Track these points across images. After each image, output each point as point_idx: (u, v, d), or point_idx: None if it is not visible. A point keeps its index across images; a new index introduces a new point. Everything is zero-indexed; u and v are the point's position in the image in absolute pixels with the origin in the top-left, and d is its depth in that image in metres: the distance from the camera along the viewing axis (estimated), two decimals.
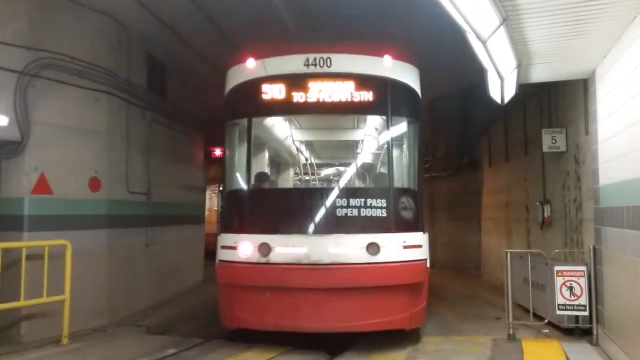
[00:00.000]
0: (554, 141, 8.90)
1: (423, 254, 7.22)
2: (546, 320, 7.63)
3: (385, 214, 6.93)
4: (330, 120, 8.74)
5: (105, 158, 8.85)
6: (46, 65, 7.72)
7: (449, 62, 12.39)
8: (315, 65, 7.13)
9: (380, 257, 6.66)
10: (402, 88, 7.52)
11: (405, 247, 6.86)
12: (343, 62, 7.17)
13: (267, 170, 9.21)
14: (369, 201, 6.96)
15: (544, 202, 9.69)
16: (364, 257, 6.63)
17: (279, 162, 9.44)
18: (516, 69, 6.38)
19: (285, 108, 7.42)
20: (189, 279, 12.53)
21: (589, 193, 7.54)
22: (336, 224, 6.86)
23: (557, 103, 9.25)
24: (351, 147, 9.42)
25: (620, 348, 5.98)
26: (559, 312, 7.33)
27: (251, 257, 6.76)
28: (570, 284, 7.25)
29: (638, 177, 5.17)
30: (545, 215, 9.59)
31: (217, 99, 16.11)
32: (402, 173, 7.64)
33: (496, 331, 7.80)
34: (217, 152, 14.54)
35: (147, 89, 10.28)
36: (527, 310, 7.96)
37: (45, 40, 7.73)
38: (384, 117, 7.55)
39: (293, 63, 7.19)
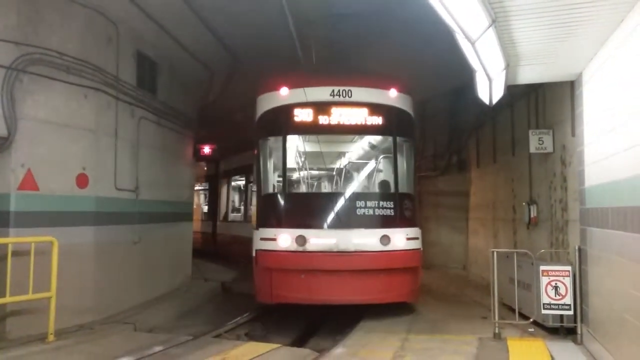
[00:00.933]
0: (540, 142, 8.98)
1: (419, 244, 9.20)
2: (531, 320, 7.70)
3: (393, 213, 9.01)
4: (348, 138, 10.85)
5: (93, 155, 8.80)
6: (34, 60, 7.67)
7: (439, 62, 12.47)
8: (339, 95, 9.14)
9: (390, 247, 8.68)
10: (403, 114, 9.60)
11: (408, 239, 8.89)
12: (360, 93, 9.21)
13: (297, 178, 11.37)
14: (380, 203, 9.14)
15: (531, 202, 9.79)
16: (378, 246, 8.66)
17: (307, 171, 11.24)
18: (504, 70, 6.44)
19: (314, 128, 9.27)
20: (177, 276, 12.49)
21: (575, 194, 7.63)
22: (357, 221, 8.84)
23: (544, 105, 9.34)
24: (365, 160, 11.37)
25: (604, 347, 6.06)
26: (544, 312, 7.41)
27: (290, 247, 8.56)
28: (556, 284, 7.33)
29: (623, 179, 5.25)
30: (532, 216, 9.68)
31: (207, 97, 16.15)
32: (403, 181, 9.54)
33: (482, 330, 7.86)
34: (206, 149, 14.51)
35: (136, 86, 10.23)
36: (513, 310, 8.03)
37: (34, 36, 7.68)
38: (390, 137, 9.59)
39: (322, 93, 9.13)
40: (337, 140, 11.02)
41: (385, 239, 8.70)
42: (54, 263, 7.19)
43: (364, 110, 9.26)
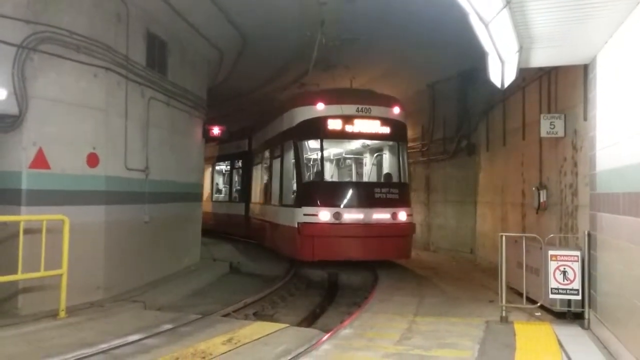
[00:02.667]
0: (552, 127, 8.90)
1: (413, 219, 12.95)
2: (539, 304, 7.71)
3: (398, 197, 12.59)
4: (368, 142, 14.23)
5: (104, 134, 8.83)
6: (44, 39, 7.66)
7: (450, 44, 12.37)
8: (362, 111, 12.59)
9: (397, 220, 12.25)
10: (403, 125, 13.37)
11: (407, 215, 12.46)
12: (376, 110, 12.72)
13: (331, 170, 15.63)
14: (390, 190, 12.72)
15: (540, 187, 9.74)
16: (390, 220, 12.19)
17: (337, 165, 15.99)
18: (517, 53, 6.35)
19: (344, 134, 12.77)
20: (186, 257, 12.58)
21: (585, 179, 7.58)
22: (376, 202, 12.25)
23: (556, 88, 9.25)
24: (379, 158, 14.60)
25: (612, 332, 6.06)
26: (551, 296, 7.41)
27: (329, 220, 11.82)
28: (564, 269, 7.31)
29: (635, 164, 5.20)
30: (541, 200, 9.64)
31: (216, 78, 16.11)
32: (404, 174, 13.17)
33: (489, 313, 7.89)
34: (215, 130, 14.52)
35: (146, 66, 10.21)
36: (520, 294, 8.05)
37: (44, 14, 7.66)
38: (397, 141, 13.28)
39: (349, 109, 12.52)
40: (360, 143, 14.45)
41: (394, 215, 12.25)
42: (65, 241, 7.26)
43: (378, 122, 12.76)
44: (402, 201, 12.53)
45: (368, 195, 12.53)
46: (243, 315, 8.92)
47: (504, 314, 7.48)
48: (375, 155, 14.63)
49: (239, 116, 21.94)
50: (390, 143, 13.48)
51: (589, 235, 7.10)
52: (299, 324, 8.76)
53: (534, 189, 9.90)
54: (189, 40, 12.30)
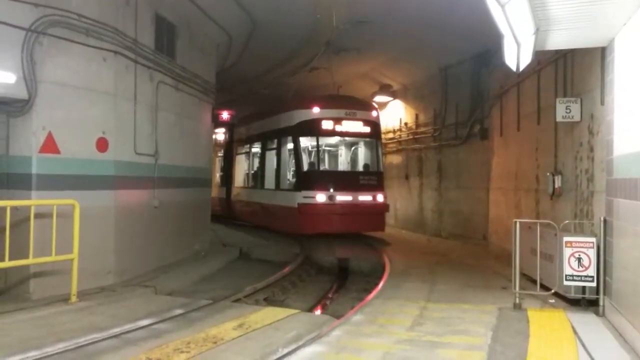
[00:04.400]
0: (568, 111, 8.73)
1: (386, 200, 15.96)
2: (553, 291, 7.62)
3: (376, 183, 15.64)
4: (354, 138, 16.91)
5: (113, 118, 8.79)
6: (53, 22, 7.59)
7: (463, 27, 12.17)
8: (349, 114, 15.46)
9: (376, 201, 15.32)
10: (378, 125, 16.44)
11: (383, 197, 15.60)
12: (360, 113, 15.68)
13: (324, 161, 18.41)
14: (371, 177, 15.71)
15: (555, 172, 9.58)
16: (371, 201, 15.17)
17: (330, 157, 19.06)
18: (534, 35, 6.20)
19: (333, 132, 15.70)
20: (196, 242, 12.59)
21: (602, 164, 7.43)
22: (361, 187, 15.19)
23: (572, 72, 9.05)
24: (361, 152, 17.35)
25: (628, 319, 5.97)
26: (566, 283, 7.31)
27: (324, 201, 14.51)
28: (579, 255, 7.20)
29: None
30: (556, 186, 9.48)
31: (225, 62, 16.00)
32: (381, 165, 16.38)
33: (502, 300, 7.82)
34: (225, 115, 14.49)
35: (154, 50, 10.13)
36: (534, 281, 7.95)
37: None
38: (375, 138, 16.28)
39: (338, 112, 15.38)
40: (347, 139, 17.18)
41: (374, 197, 15.30)
42: (76, 226, 7.26)
43: (361, 123, 15.70)
44: (380, 186, 15.69)
45: (354, 181, 15.44)
46: (253, 300, 8.91)
47: (517, 301, 7.39)
48: (359, 149, 17.47)
49: (249, 100, 21.88)
50: (370, 140, 16.45)
51: (604, 221, 6.97)
52: (310, 310, 8.75)
53: (548, 174, 9.74)
54: (197, 24, 12.19)
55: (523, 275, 8.16)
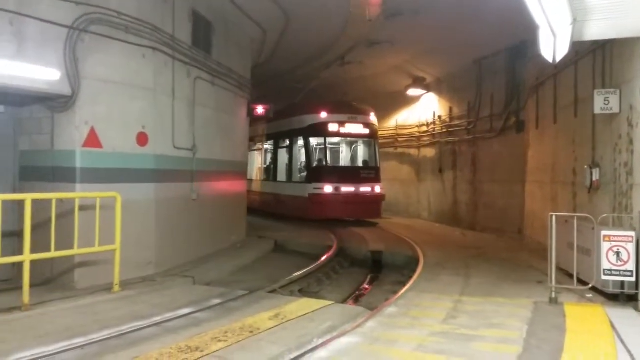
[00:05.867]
0: (606, 102, 8.55)
1: (384, 191, 18.54)
2: (590, 285, 7.51)
3: (374, 176, 18.33)
4: (355, 138, 19.65)
5: (152, 113, 9.01)
6: (94, 20, 7.82)
7: (498, 19, 12.01)
8: (352, 118, 18.25)
9: (374, 192, 17.99)
10: (376, 126, 19.10)
11: (380, 189, 18.25)
12: (360, 117, 18.40)
13: (331, 158, 19.99)
14: (370, 171, 18.42)
15: (593, 165, 9.41)
16: (370, 192, 17.87)
17: (335, 154, 21.10)
18: (571, 26, 6.12)
19: (338, 133, 18.38)
20: (232, 233, 12.82)
21: None
22: (363, 179, 17.96)
23: (611, 63, 8.86)
24: (361, 150, 20.00)
25: None
26: (604, 277, 7.20)
27: (331, 192, 17.24)
28: (618, 249, 7.09)
29: None
30: (594, 179, 9.32)
31: (259, 57, 16.15)
32: (378, 161, 18.98)
33: (538, 295, 7.75)
34: (260, 109, 14.65)
35: (191, 46, 10.33)
36: (570, 275, 7.85)
37: None
38: (373, 139, 18.96)
39: (342, 116, 18.09)
40: (351, 139, 19.78)
41: (373, 188, 17.99)
42: (118, 217, 7.50)
43: (361, 125, 18.41)
44: (377, 179, 18.37)
45: (356, 175, 18.27)
46: (289, 291, 9.05)
47: (553, 295, 7.32)
48: (359, 147, 20.01)
49: (283, 95, 22.04)
50: (369, 139, 19.09)
51: None
52: (344, 302, 8.84)
53: (586, 167, 9.58)
54: (233, 19, 12.35)
55: (559, 269, 8.08)
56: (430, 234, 15.94)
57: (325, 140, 18.41)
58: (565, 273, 8.32)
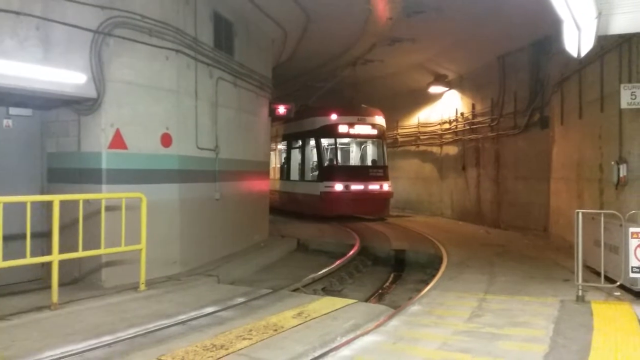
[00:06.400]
0: (633, 97, 8.41)
1: (391, 188, 19.12)
2: (618, 283, 7.39)
3: (382, 174, 19.01)
4: (364, 138, 20.36)
5: (176, 115, 9.12)
6: (119, 23, 7.94)
7: (521, 14, 11.87)
8: (360, 119, 18.95)
9: (382, 189, 18.73)
10: (384, 127, 19.73)
11: (389, 186, 18.92)
12: (369, 118, 19.13)
13: (341, 157, 20.79)
14: (378, 170, 19.06)
15: (620, 161, 9.25)
16: (379, 189, 18.63)
17: (345, 154, 21.78)
18: (596, 19, 6.03)
19: (347, 134, 19.11)
20: (255, 233, 12.90)
21: None
22: (370, 178, 18.68)
23: (637, 56, 8.70)
24: (370, 149, 20.76)
25: None
26: (632, 275, 7.09)
27: (341, 190, 18.01)
28: None
29: None
30: (621, 175, 9.16)
31: (280, 57, 16.22)
32: (386, 160, 19.66)
33: (564, 293, 7.65)
34: (281, 109, 14.70)
35: (213, 47, 10.42)
36: (597, 273, 7.74)
37: None
38: (380, 139, 19.64)
39: (351, 118, 18.84)
40: (359, 139, 20.53)
41: (381, 186, 18.73)
42: (143, 217, 7.60)
43: (369, 126, 19.17)
44: (385, 177, 19.07)
45: (365, 174, 19.09)
46: (312, 290, 9.08)
47: (580, 293, 7.22)
48: (368, 147, 20.83)
49: (304, 94, 22.11)
50: (377, 140, 19.88)
51: None
52: (367, 300, 8.84)
53: (613, 163, 9.42)
54: (254, 20, 12.43)
55: (586, 267, 7.96)
56: (453, 232, 15.83)
57: (335, 140, 19.25)
58: (592, 271, 8.19)
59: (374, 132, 19.23)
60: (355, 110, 19.21)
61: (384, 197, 18.79)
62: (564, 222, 12.25)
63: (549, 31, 12.17)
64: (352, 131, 18.90)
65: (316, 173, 19.27)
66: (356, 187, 18.15)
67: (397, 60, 18.82)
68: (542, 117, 14.25)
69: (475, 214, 18.39)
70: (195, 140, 9.70)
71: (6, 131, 7.86)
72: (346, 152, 21.65)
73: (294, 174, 20.56)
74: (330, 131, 18.67)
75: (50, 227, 6.79)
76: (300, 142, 20.11)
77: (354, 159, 21.51)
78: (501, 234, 15.23)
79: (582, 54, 7.05)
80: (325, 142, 19.26)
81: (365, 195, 18.23)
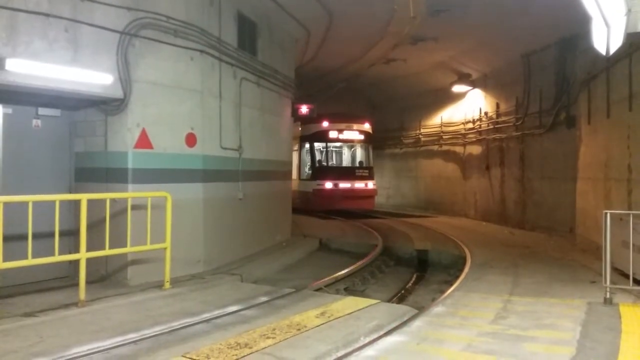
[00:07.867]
0: None
1: (376, 186, 22.12)
2: None
3: (368, 174, 21.91)
4: (352, 143, 22.93)
5: (200, 115, 9.20)
6: (144, 25, 8.03)
7: (547, 11, 11.72)
8: (349, 126, 21.84)
9: (367, 187, 21.63)
10: (370, 133, 22.63)
11: (373, 185, 21.93)
12: (357, 125, 22.05)
13: (331, 159, 23.27)
14: (364, 170, 22.01)
15: None
16: (364, 187, 21.51)
17: (335, 156, 23.72)
18: (625, 16, 5.91)
19: (337, 139, 22.06)
20: (278, 232, 12.95)
21: None
22: (356, 177, 21.52)
23: None
24: (359, 152, 23.13)
25: None
26: None
27: (331, 187, 20.71)
28: None
29: None
30: None
31: (303, 57, 16.24)
32: (371, 161, 22.65)
33: (591, 295, 7.53)
34: (304, 109, 14.74)
35: (237, 47, 10.49)
36: (625, 275, 7.60)
37: (143, 1, 8.03)
38: (367, 143, 22.58)
39: (341, 125, 21.64)
40: (348, 143, 22.95)
41: (366, 184, 21.33)
42: (168, 216, 7.68)
43: (357, 132, 21.93)
44: (370, 176, 21.77)
45: (352, 173, 21.66)
46: (334, 290, 9.09)
47: (607, 296, 7.09)
48: (355, 150, 23.16)
49: (326, 94, 22.24)
50: (363, 144, 22.56)
51: None
52: (389, 301, 8.81)
53: None
54: (277, 20, 12.47)
55: (614, 269, 7.81)
56: (476, 232, 15.69)
57: (326, 144, 22.20)
58: (620, 273, 8.05)
59: (361, 137, 22.10)
60: (344, 118, 21.87)
61: (369, 194, 21.58)
62: (590, 222, 12.06)
63: (575, 29, 11.98)
64: (342, 136, 21.77)
65: (309, 173, 21.73)
66: (344, 185, 20.84)
67: (419, 59, 18.71)
68: (568, 116, 14.03)
69: (499, 214, 18.19)
70: (219, 140, 9.78)
71: (35, 131, 8.01)
72: (336, 155, 23.87)
73: (293, 174, 22.09)
74: (322, 136, 21.43)
75: (77, 226, 6.91)
76: (296, 146, 21.54)
77: (343, 161, 23.81)
78: (526, 235, 15.05)
79: (611, 52, 6.90)
80: (317, 145, 21.76)
81: (352, 192, 20.93)
